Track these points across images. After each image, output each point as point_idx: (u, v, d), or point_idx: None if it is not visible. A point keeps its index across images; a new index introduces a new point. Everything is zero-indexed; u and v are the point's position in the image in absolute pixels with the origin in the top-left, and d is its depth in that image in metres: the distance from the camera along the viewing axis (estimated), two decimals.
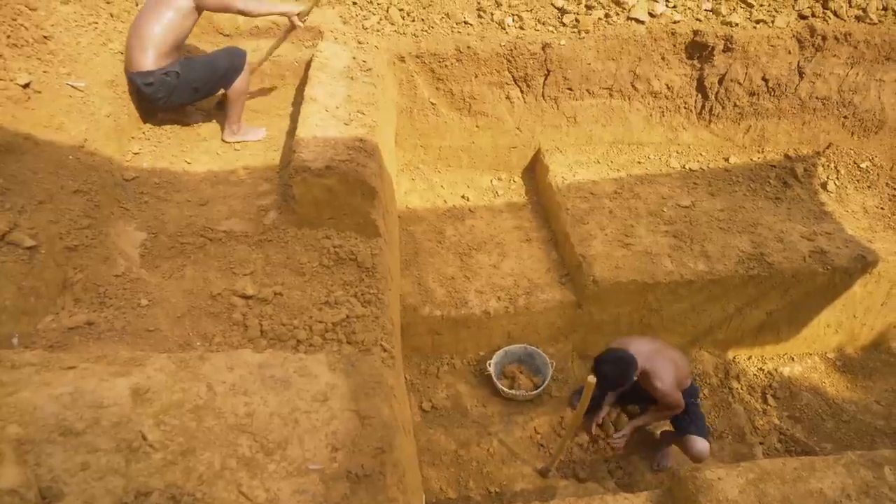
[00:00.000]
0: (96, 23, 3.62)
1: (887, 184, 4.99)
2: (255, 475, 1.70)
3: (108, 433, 1.70)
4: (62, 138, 2.91)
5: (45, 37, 3.17)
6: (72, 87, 3.15)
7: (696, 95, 4.95)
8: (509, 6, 4.71)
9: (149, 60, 3.49)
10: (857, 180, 4.99)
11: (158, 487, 1.61)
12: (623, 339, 3.56)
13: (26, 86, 2.87)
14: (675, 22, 4.63)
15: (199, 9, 3.58)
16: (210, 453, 1.72)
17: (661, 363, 3.36)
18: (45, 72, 3.05)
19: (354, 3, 4.71)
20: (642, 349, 3.38)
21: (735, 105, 4.94)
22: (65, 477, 1.58)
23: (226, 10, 3.65)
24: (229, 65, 3.67)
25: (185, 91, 3.65)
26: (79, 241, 2.70)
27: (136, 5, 4.09)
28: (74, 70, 3.24)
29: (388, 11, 4.66)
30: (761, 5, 4.73)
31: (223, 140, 3.77)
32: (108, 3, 3.82)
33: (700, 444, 3.45)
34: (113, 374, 1.87)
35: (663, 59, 4.73)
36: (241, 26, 4.39)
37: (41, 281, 2.47)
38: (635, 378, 3.29)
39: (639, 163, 4.96)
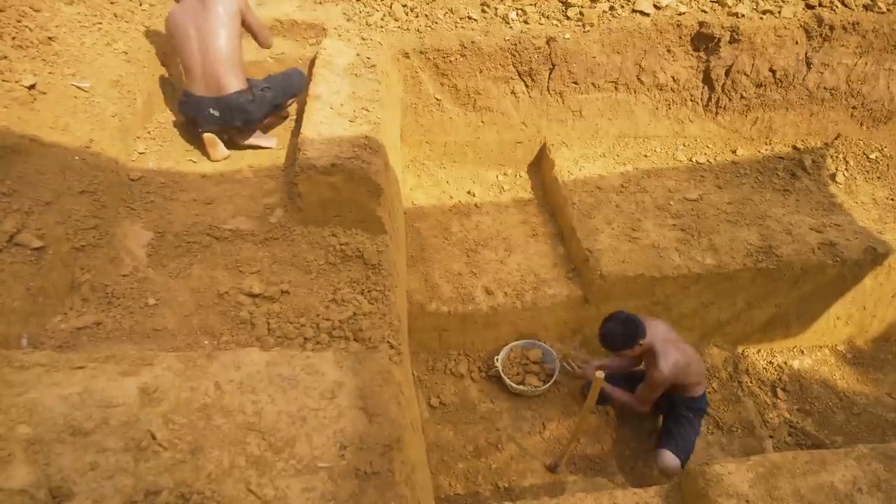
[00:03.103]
0: (100, 23, 3.62)
1: None
2: (263, 473, 1.71)
3: (116, 432, 1.70)
4: (68, 139, 2.91)
5: (49, 38, 3.17)
6: (77, 87, 3.16)
7: (703, 87, 4.91)
8: (513, 0, 4.69)
9: (239, 79, 3.46)
10: (867, 171, 4.94)
11: (168, 486, 1.62)
12: (645, 316, 3.50)
13: (31, 87, 2.88)
14: (680, 14, 4.59)
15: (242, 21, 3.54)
16: (219, 452, 1.73)
17: (674, 351, 3.36)
18: (49, 73, 3.06)
19: (358, 0, 4.70)
20: (659, 331, 3.40)
21: (742, 97, 4.90)
22: (74, 476, 1.59)
23: (255, 33, 3.62)
24: (299, 85, 3.70)
25: (269, 106, 3.61)
26: (86, 241, 2.71)
27: (140, 5, 4.09)
28: (79, 70, 3.24)
29: (391, 7, 4.65)
30: None
31: (238, 141, 3.70)
32: (112, 3, 3.83)
33: (668, 460, 3.41)
34: (121, 374, 1.87)
35: (669, 51, 4.69)
36: None
37: (49, 281, 2.48)
38: (638, 348, 3.29)
39: (645, 156, 4.93)
